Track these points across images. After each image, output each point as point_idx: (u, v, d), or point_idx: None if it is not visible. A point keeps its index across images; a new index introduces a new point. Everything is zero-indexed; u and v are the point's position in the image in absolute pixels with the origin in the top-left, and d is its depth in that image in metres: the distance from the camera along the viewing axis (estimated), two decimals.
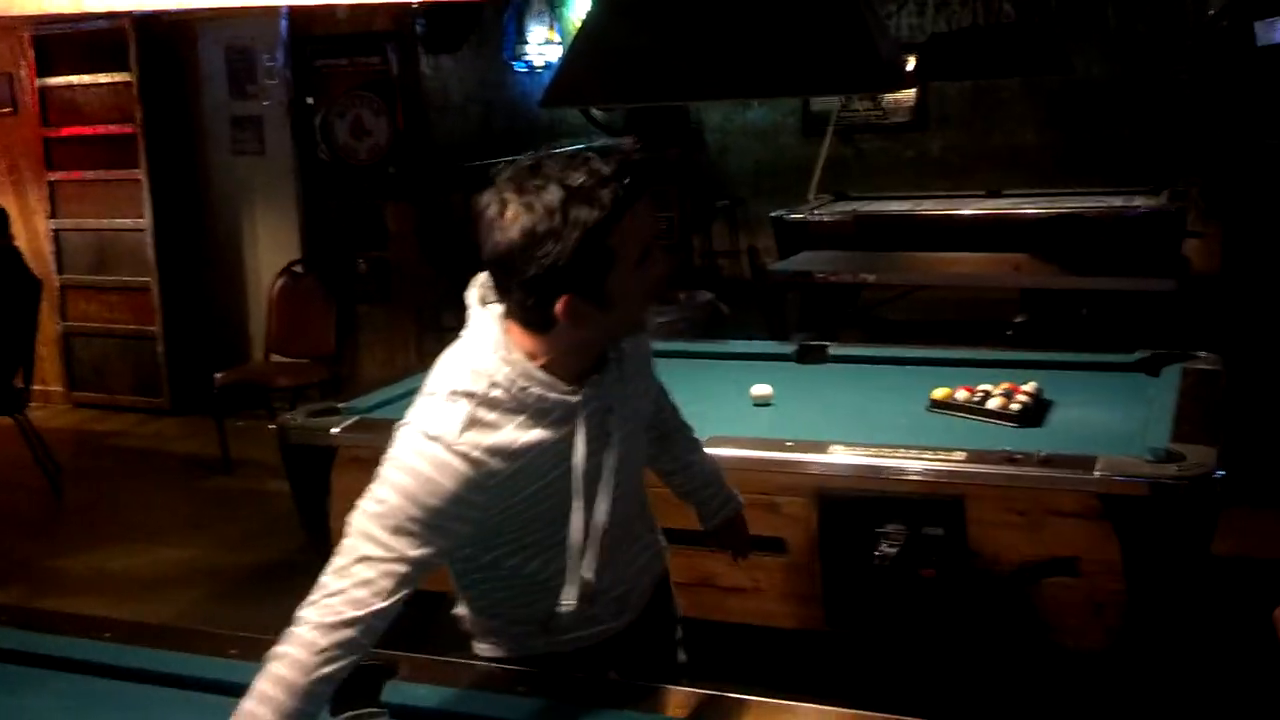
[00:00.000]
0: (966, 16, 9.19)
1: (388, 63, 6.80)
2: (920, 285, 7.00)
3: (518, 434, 1.87)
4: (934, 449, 3.08)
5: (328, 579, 1.81)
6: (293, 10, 6.74)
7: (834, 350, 4.32)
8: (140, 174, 7.30)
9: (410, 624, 3.78)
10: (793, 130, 10.03)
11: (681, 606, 2.52)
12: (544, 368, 1.89)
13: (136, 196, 7.35)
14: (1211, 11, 8.38)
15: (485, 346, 1.90)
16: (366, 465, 3.44)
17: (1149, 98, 9.26)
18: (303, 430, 3.60)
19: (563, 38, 8.54)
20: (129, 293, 7.52)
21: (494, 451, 1.84)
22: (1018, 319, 6.74)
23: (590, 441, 1.92)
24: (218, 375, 6.41)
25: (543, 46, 8.32)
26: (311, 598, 1.80)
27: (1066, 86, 9.26)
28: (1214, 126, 8.33)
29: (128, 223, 7.44)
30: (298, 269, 6.83)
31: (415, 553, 1.82)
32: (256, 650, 1.86)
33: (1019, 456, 2.95)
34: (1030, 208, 7.72)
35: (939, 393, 3.63)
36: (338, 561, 1.82)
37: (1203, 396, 3.41)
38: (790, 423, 3.51)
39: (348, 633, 1.76)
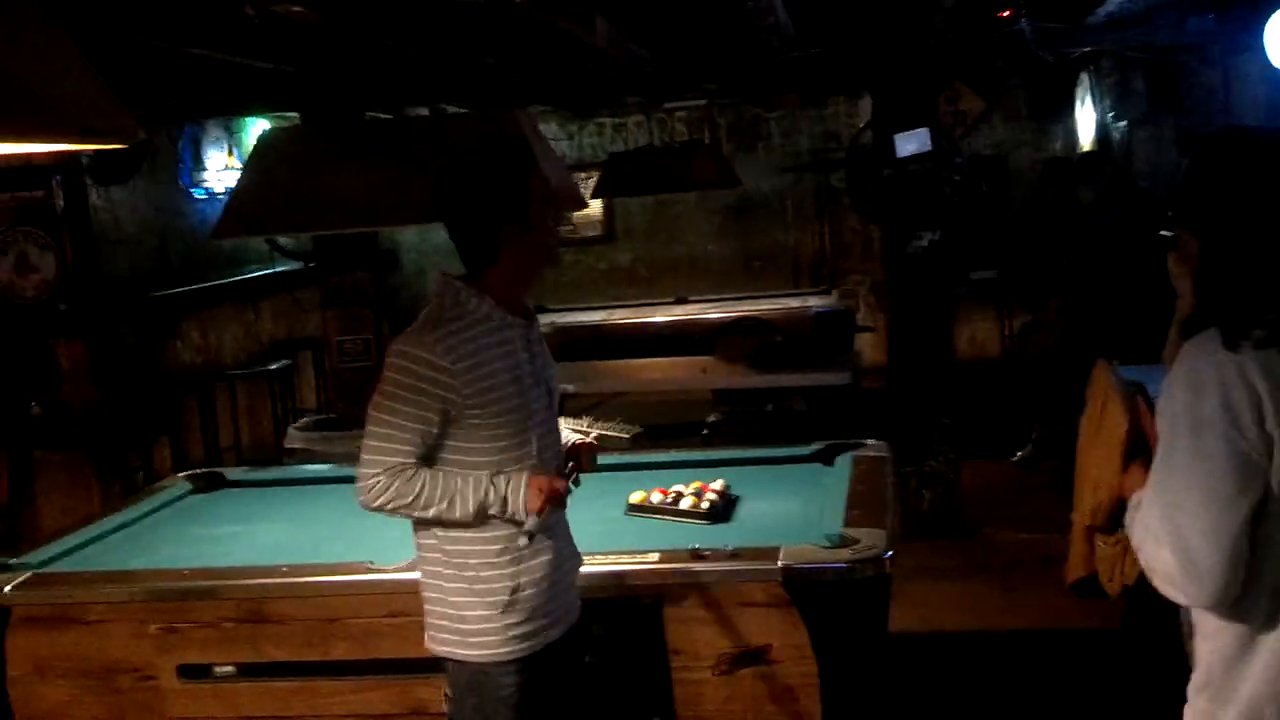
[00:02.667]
0: (643, 136, 9.68)
1: (52, 195, 6.49)
2: (618, 392, 7.19)
3: (474, 334, 2.52)
4: (630, 552, 3.17)
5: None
6: None
7: None
8: None
9: None
10: None
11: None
12: (493, 296, 2.58)
13: None
14: (861, 126, 9.15)
15: (444, 295, 2.59)
16: (44, 624, 3.28)
17: (813, 205, 9.96)
18: None
19: (242, 163, 8.42)
20: None
21: (457, 343, 2.49)
22: (711, 418, 7.03)
23: (526, 364, 2.60)
24: None
25: (221, 173, 8.17)
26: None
27: (739, 198, 9.85)
28: (871, 228, 9.05)
29: None
30: None
31: (416, 428, 2.51)
32: None
33: (707, 553, 3.07)
34: (714, 312, 8.10)
35: (635, 496, 3.75)
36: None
37: (872, 481, 3.66)
38: None
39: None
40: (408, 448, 2.52)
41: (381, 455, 2.53)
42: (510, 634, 2.60)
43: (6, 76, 1.32)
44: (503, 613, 2.59)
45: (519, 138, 2.81)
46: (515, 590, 2.59)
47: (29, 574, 3.39)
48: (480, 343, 2.53)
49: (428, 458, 2.56)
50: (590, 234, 10.29)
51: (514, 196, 2.56)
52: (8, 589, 3.30)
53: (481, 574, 2.59)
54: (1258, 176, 1.94)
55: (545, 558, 2.64)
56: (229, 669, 3.25)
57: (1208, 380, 1.81)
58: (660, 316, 8.47)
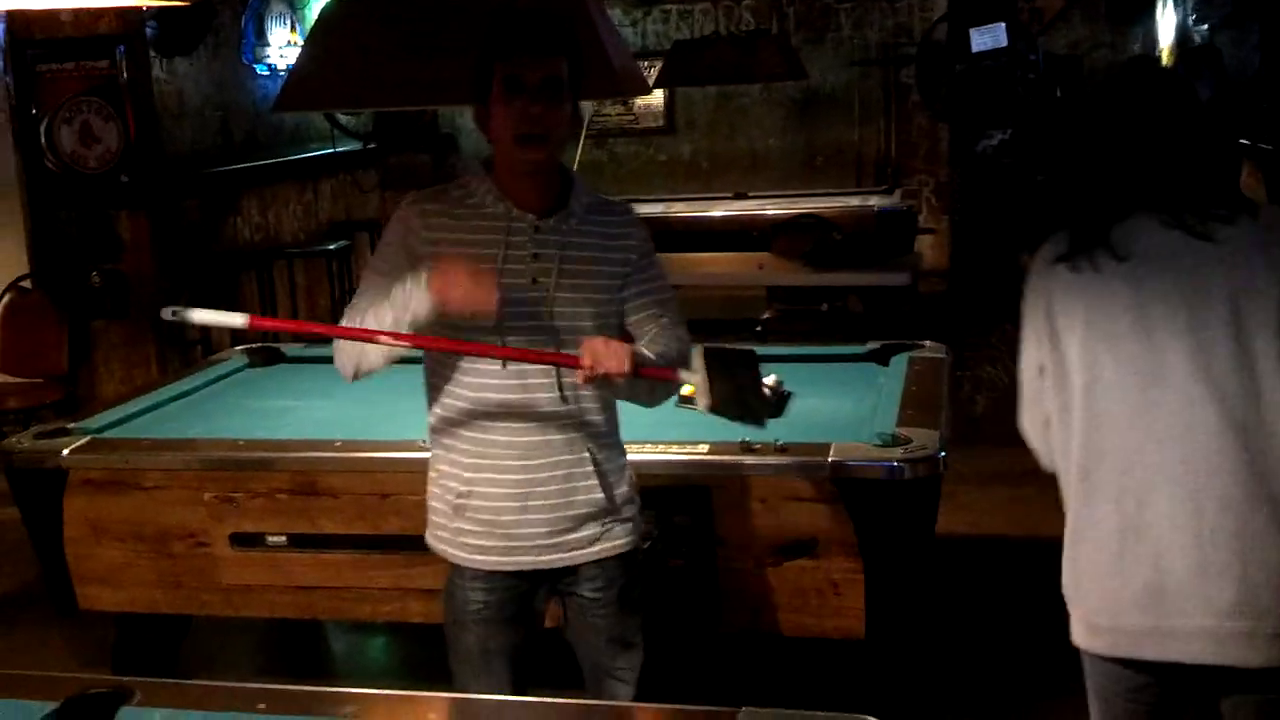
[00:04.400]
0: (709, 25, 9.47)
1: (117, 67, 6.49)
2: (673, 285, 7.15)
3: (460, 212, 2.39)
4: (680, 443, 3.17)
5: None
6: (10, 13, 6.35)
7: None
8: None
9: (152, 650, 3.64)
10: None
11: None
12: (497, 182, 2.41)
13: None
14: (934, 20, 8.89)
15: (462, 174, 2.49)
16: (100, 488, 3.35)
17: (881, 102, 9.74)
18: (30, 453, 3.42)
19: (305, 39, 8.36)
20: None
21: (437, 212, 2.40)
22: (765, 315, 6.99)
23: (514, 262, 2.37)
24: None
25: (285, 49, 8.11)
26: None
27: (804, 91, 9.65)
28: (939, 128, 8.84)
29: None
30: (25, 285, 6.45)
31: (384, 282, 2.35)
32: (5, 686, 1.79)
33: (758, 446, 3.06)
34: (774, 208, 8.00)
35: (687, 389, 3.72)
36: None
37: (927, 383, 3.62)
38: None
39: None
40: (377, 295, 2.37)
41: (354, 300, 2.43)
42: (462, 540, 2.47)
43: None
44: (454, 514, 2.46)
45: (515, 14, 2.43)
46: (464, 495, 2.44)
47: (87, 439, 3.46)
48: (462, 223, 2.39)
49: None
50: (651, 125, 10.16)
51: (479, 77, 2.38)
52: (66, 452, 3.37)
53: (439, 466, 2.50)
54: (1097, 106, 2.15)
55: (513, 477, 2.41)
56: (281, 539, 3.31)
57: (1028, 286, 2.14)
58: (719, 211, 8.39)
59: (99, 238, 6.62)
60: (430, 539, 2.56)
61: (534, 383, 2.39)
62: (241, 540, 3.31)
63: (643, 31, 9.94)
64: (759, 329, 6.79)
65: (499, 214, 2.39)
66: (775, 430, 3.31)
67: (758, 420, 2.46)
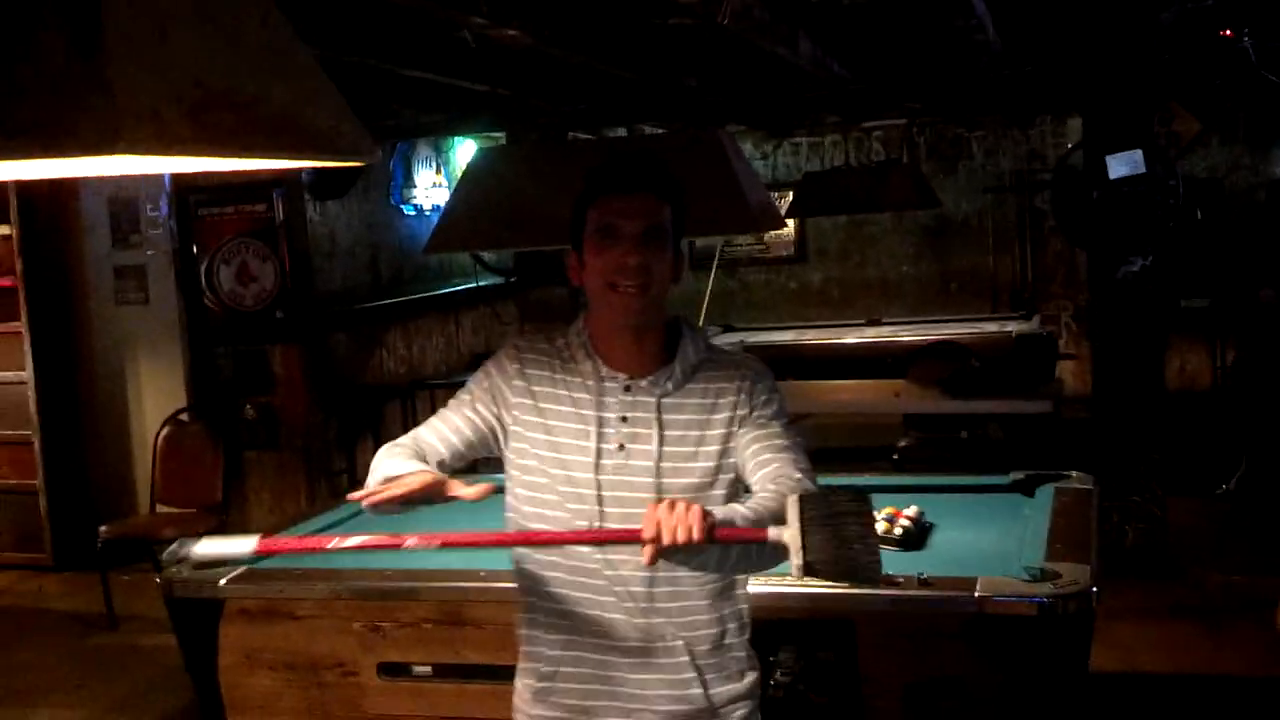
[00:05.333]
0: (839, 155, 9.62)
1: (273, 209, 6.85)
2: (807, 413, 7.14)
3: (549, 373, 2.21)
4: None
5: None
6: None
7: None
8: (21, 327, 7.16)
9: None
10: None
11: None
12: (591, 338, 2.22)
13: (17, 350, 7.20)
14: (1069, 146, 8.87)
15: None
16: (255, 617, 3.45)
17: (1015, 228, 9.71)
18: (188, 583, 3.53)
19: (449, 181, 8.71)
20: (10, 447, 7.31)
21: (534, 362, 2.22)
22: (901, 443, 6.91)
23: (606, 425, 2.17)
24: (102, 529, 6.24)
25: (430, 190, 8.46)
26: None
27: (937, 219, 9.67)
28: (1076, 253, 8.76)
29: (9, 376, 7.27)
30: (184, 417, 6.74)
31: (451, 416, 2.29)
32: None
33: (900, 580, 3.02)
34: (908, 335, 7.97)
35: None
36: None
37: (1075, 515, 3.54)
38: None
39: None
40: (430, 432, 2.29)
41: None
42: None
43: (265, 98, 1.41)
44: (534, 699, 2.28)
45: (613, 156, 2.27)
46: (547, 677, 2.26)
47: (242, 569, 3.56)
48: (558, 377, 2.22)
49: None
50: (783, 254, 10.27)
51: (574, 221, 2.18)
52: (223, 582, 3.47)
53: (525, 644, 2.32)
54: None
55: (598, 657, 2.22)
56: (427, 669, 3.34)
57: None
58: (852, 338, 8.39)
59: (253, 372, 6.91)
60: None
61: (620, 558, 2.15)
62: (389, 670, 3.36)
63: (774, 164, 10.12)
64: (896, 457, 6.72)
65: (587, 371, 2.21)
66: (919, 563, 3.27)
67: (868, 580, 2.01)
